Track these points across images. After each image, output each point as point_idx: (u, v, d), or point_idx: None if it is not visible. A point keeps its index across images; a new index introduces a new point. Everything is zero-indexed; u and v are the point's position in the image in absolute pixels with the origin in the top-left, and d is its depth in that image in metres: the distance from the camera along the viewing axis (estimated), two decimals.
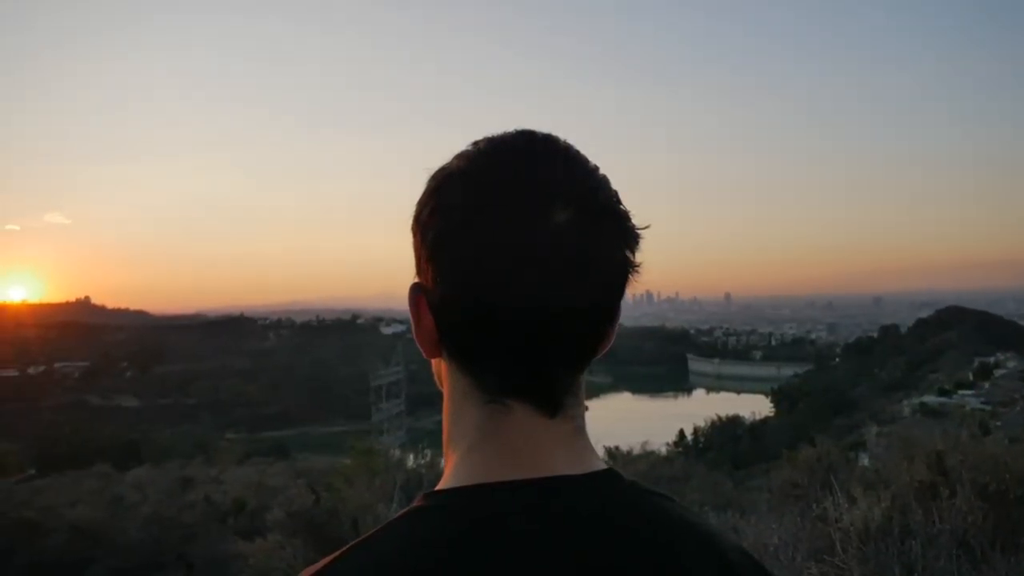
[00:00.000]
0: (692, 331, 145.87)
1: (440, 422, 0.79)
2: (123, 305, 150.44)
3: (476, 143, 0.74)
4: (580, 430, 0.75)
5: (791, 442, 13.98)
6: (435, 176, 0.73)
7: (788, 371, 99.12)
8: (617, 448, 14.66)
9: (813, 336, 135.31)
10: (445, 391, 0.77)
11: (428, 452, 12.79)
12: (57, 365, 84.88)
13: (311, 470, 15.49)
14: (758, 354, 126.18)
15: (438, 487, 0.72)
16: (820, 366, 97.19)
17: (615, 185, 0.73)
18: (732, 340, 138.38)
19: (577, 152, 0.74)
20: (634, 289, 0.76)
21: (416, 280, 0.74)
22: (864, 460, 11.73)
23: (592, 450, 0.76)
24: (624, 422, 52.07)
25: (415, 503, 0.71)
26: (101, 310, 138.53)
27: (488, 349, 0.70)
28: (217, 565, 8.91)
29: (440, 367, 0.78)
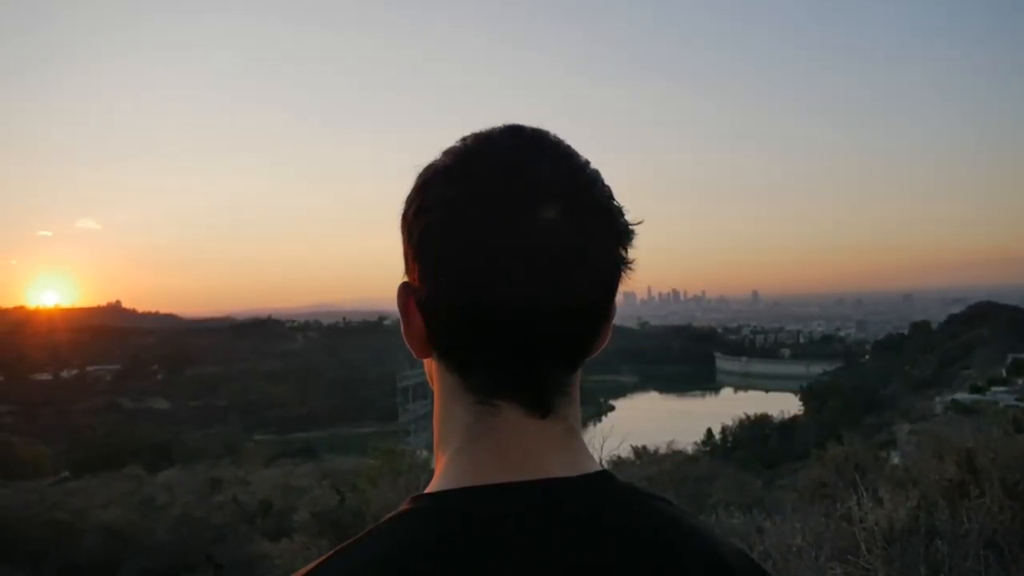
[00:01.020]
0: (719, 329, 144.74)
1: None
2: (153, 309, 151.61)
3: (464, 139, 0.72)
4: (573, 431, 0.74)
5: (821, 441, 13.84)
6: (422, 173, 0.72)
7: (817, 369, 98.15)
8: (644, 447, 14.60)
9: (842, 333, 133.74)
10: (435, 392, 0.76)
11: None
12: (90, 368, 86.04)
13: (337, 471, 15.58)
14: (786, 352, 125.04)
15: (427, 490, 0.70)
16: (850, 364, 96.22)
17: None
18: (760, 338, 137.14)
19: (567, 147, 0.72)
20: (628, 286, 0.74)
21: (405, 279, 0.73)
22: (895, 459, 11.61)
23: (586, 451, 0.74)
24: (651, 421, 51.84)
25: (403, 506, 0.69)
26: (132, 314, 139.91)
27: (475, 349, 0.69)
28: (245, 566, 8.97)
29: (431, 367, 0.76)
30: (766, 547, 4.02)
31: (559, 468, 0.69)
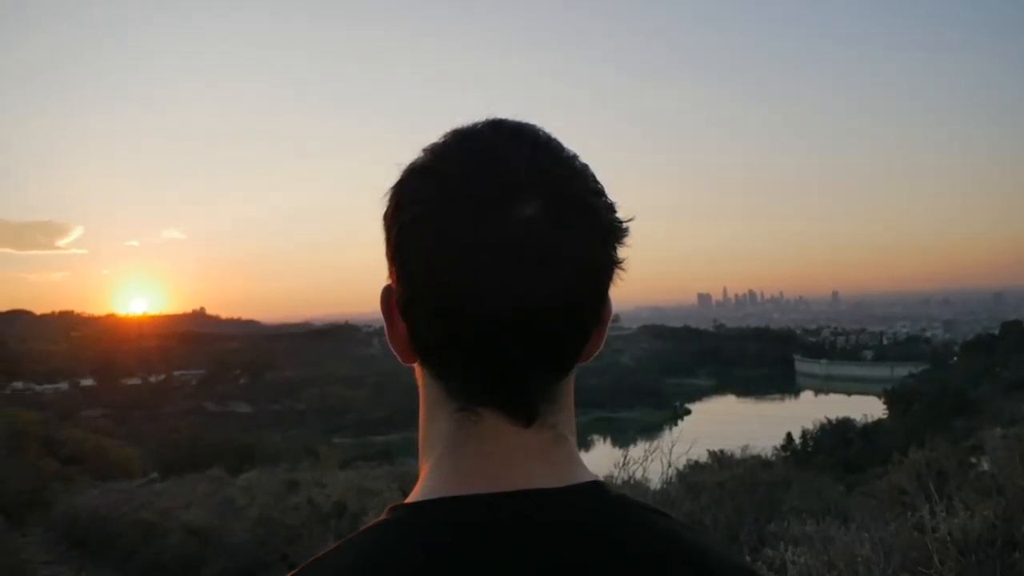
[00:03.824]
0: (798, 331, 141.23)
1: None
2: (235, 315, 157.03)
3: (445, 135, 0.70)
4: (561, 439, 0.70)
5: (906, 445, 13.33)
6: (403, 172, 0.70)
7: (902, 371, 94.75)
8: (722, 452, 14.37)
9: (928, 334, 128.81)
10: (420, 398, 0.74)
11: None
12: (176, 373, 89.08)
13: (408, 473, 15.73)
14: (869, 354, 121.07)
15: (408, 499, 0.68)
16: (937, 365, 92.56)
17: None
18: (841, 340, 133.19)
19: (550, 140, 0.69)
20: (619, 287, 0.70)
21: (388, 281, 0.70)
22: (985, 464, 11.12)
23: (576, 461, 0.71)
24: (729, 425, 50.86)
25: (382, 515, 0.67)
26: (215, 320, 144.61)
27: (453, 354, 0.66)
28: None
29: (419, 373, 0.73)
30: (830, 556, 3.89)
31: (543, 478, 0.66)
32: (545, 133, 0.69)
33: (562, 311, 0.64)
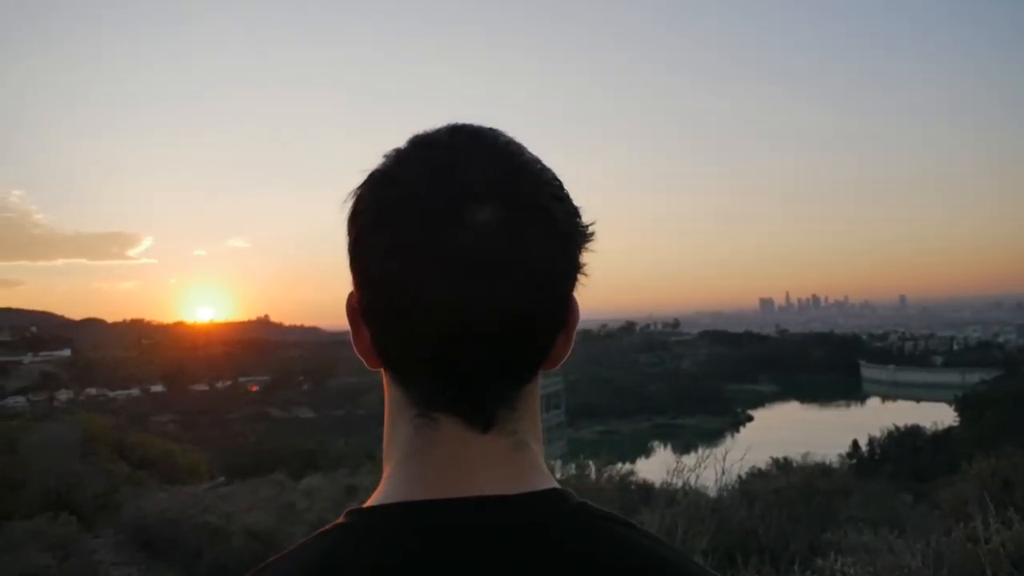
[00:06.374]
0: (864, 336, 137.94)
1: None
2: (298, 322, 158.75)
3: (406, 141, 0.70)
4: (522, 445, 0.69)
5: (978, 454, 12.95)
6: (365, 177, 0.70)
7: (974, 377, 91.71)
8: (786, 459, 14.20)
9: (1001, 339, 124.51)
10: (385, 403, 0.74)
11: (590, 463, 13.18)
12: (241, 379, 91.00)
13: None
14: (939, 360, 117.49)
15: (365, 504, 0.68)
16: (1011, 371, 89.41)
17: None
18: (908, 345, 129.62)
19: (510, 145, 0.68)
20: (582, 293, 0.70)
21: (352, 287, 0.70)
22: None
23: (537, 468, 0.69)
24: (792, 432, 49.92)
25: (338, 520, 0.67)
26: (279, 327, 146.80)
27: (411, 360, 0.66)
28: None
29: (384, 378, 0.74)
30: (876, 568, 3.80)
31: (498, 485, 0.65)
32: (506, 137, 0.69)
33: (516, 317, 0.63)
